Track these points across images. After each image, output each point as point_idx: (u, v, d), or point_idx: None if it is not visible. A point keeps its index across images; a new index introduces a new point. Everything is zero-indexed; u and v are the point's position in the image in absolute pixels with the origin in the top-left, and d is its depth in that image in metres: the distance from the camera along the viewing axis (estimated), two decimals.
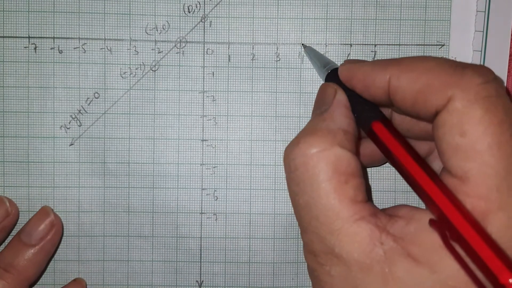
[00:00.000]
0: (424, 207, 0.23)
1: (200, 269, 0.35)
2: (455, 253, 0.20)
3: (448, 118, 0.21)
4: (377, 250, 0.22)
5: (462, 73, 0.22)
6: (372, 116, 0.25)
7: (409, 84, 0.23)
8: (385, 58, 0.34)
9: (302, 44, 0.34)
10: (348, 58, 0.34)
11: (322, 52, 0.33)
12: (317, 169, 0.23)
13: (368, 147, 0.30)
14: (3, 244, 0.34)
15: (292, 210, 0.34)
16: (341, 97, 0.26)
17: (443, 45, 0.34)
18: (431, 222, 0.21)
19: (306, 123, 0.26)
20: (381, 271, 0.22)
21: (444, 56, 0.34)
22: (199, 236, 0.35)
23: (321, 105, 0.27)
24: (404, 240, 0.22)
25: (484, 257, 0.19)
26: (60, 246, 0.35)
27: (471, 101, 0.21)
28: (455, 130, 0.21)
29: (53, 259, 0.35)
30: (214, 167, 0.34)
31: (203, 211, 0.34)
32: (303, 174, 0.24)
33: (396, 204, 0.28)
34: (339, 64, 0.28)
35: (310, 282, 0.35)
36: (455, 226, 0.20)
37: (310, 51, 0.33)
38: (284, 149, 0.34)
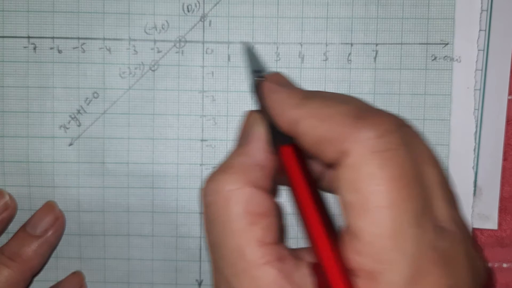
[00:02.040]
0: None
1: (200, 268, 0.35)
2: None
3: (342, 174, 0.20)
4: None
5: (360, 125, 0.20)
6: (284, 140, 0.23)
7: (309, 130, 0.22)
8: (387, 57, 0.33)
9: (243, 42, 0.33)
10: (349, 58, 0.33)
11: (322, 52, 0.33)
12: (226, 208, 0.22)
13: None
14: (1, 237, 0.35)
15: (293, 210, 0.34)
16: (260, 129, 0.25)
17: (447, 44, 0.33)
18: (312, 267, 0.21)
19: None
20: None
21: (448, 56, 0.33)
22: (199, 235, 0.35)
23: (241, 136, 0.26)
24: None
25: None
26: (62, 244, 0.35)
27: (364, 156, 0.20)
28: (348, 186, 0.20)
29: (56, 256, 0.35)
30: (214, 167, 0.34)
31: (202, 211, 0.34)
32: (213, 213, 0.23)
33: None
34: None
35: None
36: (328, 279, 0.20)
37: (247, 50, 0.30)
38: None
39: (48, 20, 0.33)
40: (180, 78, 0.34)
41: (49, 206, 0.34)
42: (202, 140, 0.34)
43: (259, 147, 0.24)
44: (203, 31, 0.34)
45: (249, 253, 0.22)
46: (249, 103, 0.34)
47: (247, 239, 0.22)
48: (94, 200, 0.34)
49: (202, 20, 0.33)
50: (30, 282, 0.34)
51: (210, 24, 0.33)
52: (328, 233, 0.21)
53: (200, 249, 0.35)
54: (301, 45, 0.33)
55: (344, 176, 0.20)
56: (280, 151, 0.23)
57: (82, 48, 0.34)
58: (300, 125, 0.22)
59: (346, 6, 0.33)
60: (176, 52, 0.34)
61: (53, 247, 0.34)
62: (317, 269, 0.21)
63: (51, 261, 0.35)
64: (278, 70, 0.33)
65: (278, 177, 0.25)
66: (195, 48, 0.34)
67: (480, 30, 0.33)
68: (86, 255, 0.35)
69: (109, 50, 0.34)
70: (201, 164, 0.34)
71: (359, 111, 0.21)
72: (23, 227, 0.34)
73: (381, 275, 0.20)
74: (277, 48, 0.34)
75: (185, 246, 0.35)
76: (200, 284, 0.35)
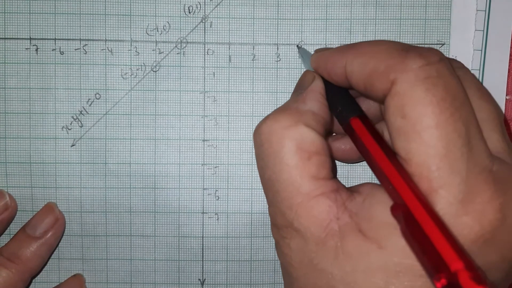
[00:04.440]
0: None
1: (202, 267, 0.35)
2: (412, 242, 0.21)
3: (391, 101, 0.22)
4: (333, 225, 0.23)
5: (405, 56, 0.22)
6: (351, 112, 0.25)
7: (360, 68, 0.23)
8: None
9: (297, 46, 0.34)
10: None
11: None
12: (280, 145, 0.24)
13: (345, 144, 0.31)
14: (1, 238, 0.35)
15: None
16: (317, 83, 0.27)
17: (443, 44, 0.34)
18: (393, 212, 0.22)
19: None
20: (334, 245, 0.22)
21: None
22: (201, 235, 0.35)
23: (298, 89, 0.28)
24: (358, 216, 0.22)
25: (440, 250, 0.19)
26: (64, 245, 0.35)
27: (411, 83, 0.21)
28: (397, 112, 0.21)
29: (58, 257, 0.35)
30: (215, 167, 0.34)
31: (204, 211, 0.35)
32: (267, 149, 0.24)
33: None
34: None
35: None
36: (418, 223, 0.20)
37: (303, 53, 0.32)
38: None
39: (50, 22, 0.33)
40: (182, 79, 0.34)
41: (49, 208, 0.34)
42: (203, 140, 0.34)
43: (314, 97, 0.26)
44: (204, 32, 0.34)
45: (304, 186, 0.23)
46: (250, 103, 0.34)
47: (301, 174, 0.23)
48: (96, 200, 0.35)
49: (203, 21, 0.34)
50: (29, 283, 0.34)
51: (211, 25, 0.34)
52: (413, 188, 0.21)
53: (203, 249, 0.35)
54: (296, 47, 0.34)
55: (392, 103, 0.22)
56: (349, 123, 0.25)
57: (84, 49, 0.34)
58: (350, 66, 0.24)
59: (344, 8, 0.34)
60: (178, 53, 0.34)
61: (52, 248, 0.34)
62: (397, 210, 0.21)
63: (53, 262, 0.35)
64: (278, 70, 0.34)
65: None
66: (196, 49, 0.34)
67: (477, 30, 0.33)
68: (88, 256, 0.35)
69: (111, 51, 0.34)
70: (202, 164, 0.34)
71: (403, 46, 0.23)
72: (23, 229, 0.34)
73: (436, 194, 0.21)
74: (277, 49, 0.34)
75: (188, 245, 0.35)
76: (202, 283, 0.35)
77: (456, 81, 0.22)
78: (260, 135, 0.25)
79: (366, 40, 0.34)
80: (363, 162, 0.34)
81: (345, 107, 0.26)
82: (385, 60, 0.22)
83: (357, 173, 0.34)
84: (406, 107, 0.21)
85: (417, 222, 0.20)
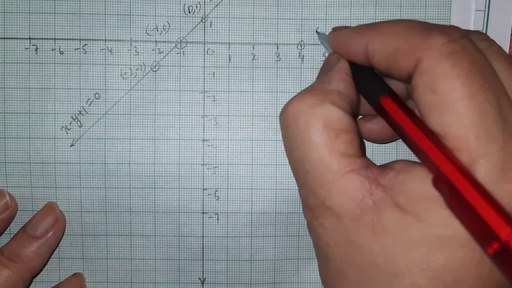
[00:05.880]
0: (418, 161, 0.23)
1: (203, 267, 0.35)
2: (458, 213, 0.20)
3: (419, 79, 0.22)
4: (367, 201, 0.22)
5: (428, 34, 0.22)
6: (380, 91, 0.25)
7: (381, 48, 0.24)
8: None
9: (316, 31, 0.34)
10: None
11: (322, 53, 0.34)
12: (307, 124, 0.24)
13: (377, 124, 0.31)
14: (1, 237, 0.35)
15: (292, 209, 0.35)
16: (342, 63, 0.27)
17: None
18: (435, 184, 0.21)
19: None
20: (370, 221, 0.22)
21: None
22: (201, 235, 0.35)
23: (323, 71, 0.28)
24: (393, 190, 0.22)
25: (486, 218, 0.19)
26: (64, 245, 0.35)
27: (437, 59, 0.21)
28: (427, 89, 0.22)
29: (58, 257, 0.35)
30: (215, 167, 0.34)
31: (204, 211, 0.35)
32: (295, 130, 0.24)
33: None
34: None
35: (310, 278, 0.35)
36: (462, 195, 0.20)
37: (323, 37, 0.32)
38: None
39: (49, 22, 0.33)
40: (181, 79, 0.34)
41: (50, 207, 0.34)
42: (203, 140, 0.34)
43: (340, 77, 0.26)
44: (204, 32, 0.34)
45: (333, 163, 0.23)
46: (249, 103, 0.34)
47: (330, 152, 0.23)
48: (96, 200, 0.35)
49: (203, 21, 0.34)
50: (30, 283, 0.34)
51: (211, 25, 0.34)
52: (452, 160, 0.21)
53: (203, 248, 0.35)
54: (301, 46, 0.34)
55: (421, 80, 0.22)
56: (380, 102, 0.25)
57: (83, 49, 0.34)
58: (372, 45, 0.24)
59: (344, 8, 0.34)
60: (177, 53, 0.34)
61: (53, 248, 0.34)
62: (439, 181, 0.21)
63: (54, 262, 0.35)
64: (278, 70, 0.34)
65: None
66: (196, 48, 0.34)
67: (475, 30, 0.33)
68: (88, 255, 0.35)
69: (110, 51, 0.34)
70: (202, 164, 0.34)
71: (424, 24, 0.23)
72: (23, 228, 0.34)
73: (476, 164, 0.21)
74: (277, 48, 0.34)
75: (188, 245, 0.35)
76: (203, 282, 0.35)
77: (479, 54, 0.22)
78: (287, 116, 0.25)
79: None
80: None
81: (374, 86, 0.26)
82: (408, 39, 0.22)
83: None
84: (435, 83, 0.21)
85: (461, 193, 0.20)
